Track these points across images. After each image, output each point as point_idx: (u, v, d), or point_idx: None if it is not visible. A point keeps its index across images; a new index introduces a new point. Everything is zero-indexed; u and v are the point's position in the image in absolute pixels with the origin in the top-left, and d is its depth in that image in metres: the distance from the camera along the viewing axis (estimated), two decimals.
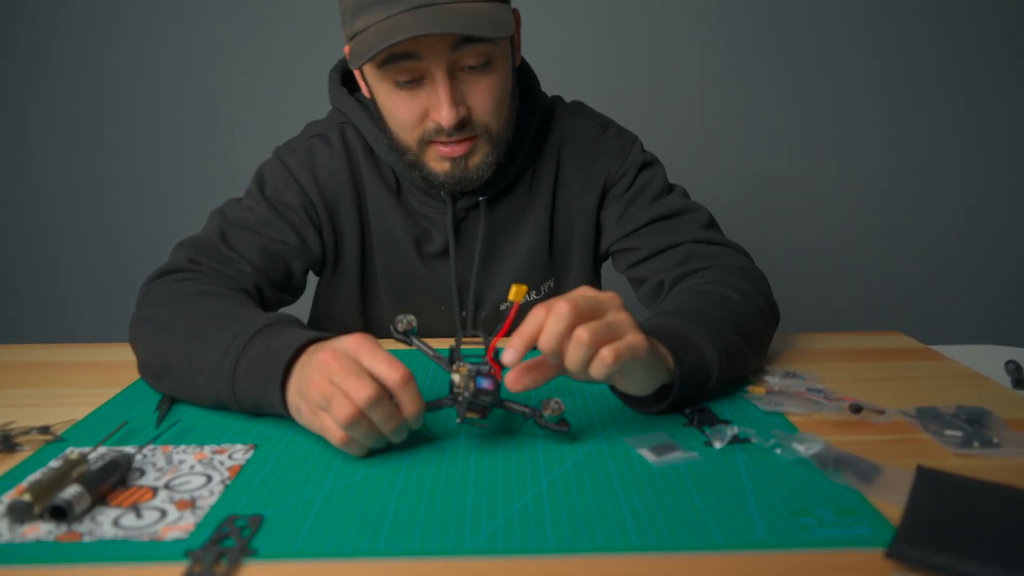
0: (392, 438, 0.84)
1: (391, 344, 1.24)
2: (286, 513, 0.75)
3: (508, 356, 0.78)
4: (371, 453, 0.85)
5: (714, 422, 0.90)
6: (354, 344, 0.81)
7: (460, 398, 0.84)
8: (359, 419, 0.79)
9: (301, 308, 1.55)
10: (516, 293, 0.83)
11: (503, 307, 1.31)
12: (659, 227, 1.25)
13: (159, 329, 1.00)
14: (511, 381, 0.81)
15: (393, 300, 1.32)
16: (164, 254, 2.36)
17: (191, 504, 0.77)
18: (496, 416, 0.95)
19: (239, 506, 0.76)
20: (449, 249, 1.28)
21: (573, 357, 0.78)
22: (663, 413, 0.94)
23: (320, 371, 0.81)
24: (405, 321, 1.01)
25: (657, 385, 0.88)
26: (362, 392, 0.78)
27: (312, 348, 0.88)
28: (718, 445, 0.85)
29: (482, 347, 0.88)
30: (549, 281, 1.33)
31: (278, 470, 0.83)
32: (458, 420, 0.84)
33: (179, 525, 0.73)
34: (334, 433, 0.82)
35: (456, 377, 0.84)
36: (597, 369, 0.79)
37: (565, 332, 0.78)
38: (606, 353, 0.79)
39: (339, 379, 0.79)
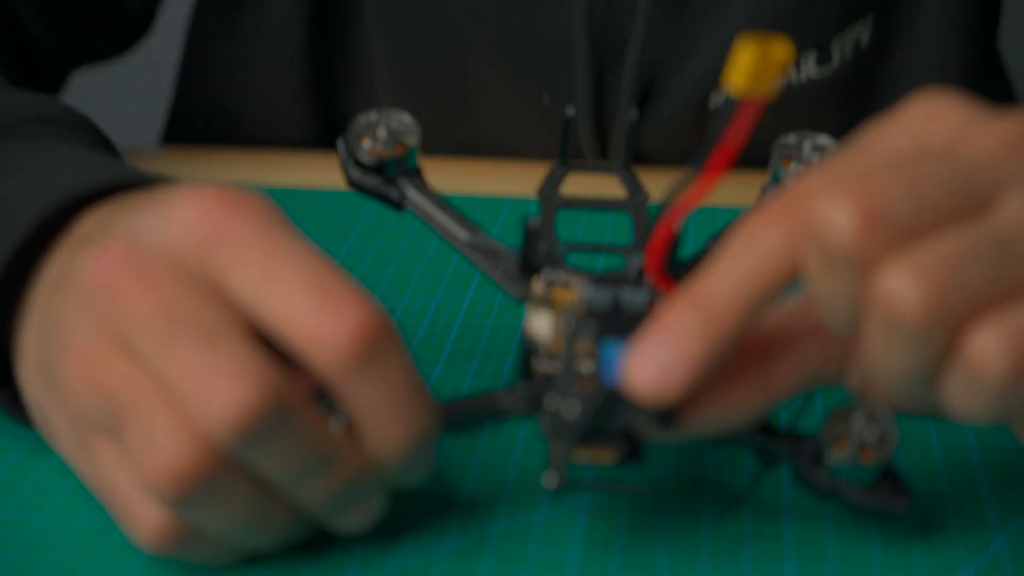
0: (331, 523, 0.30)
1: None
2: None
3: (646, 368, 0.26)
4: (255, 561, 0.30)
5: None
6: (204, 222, 0.28)
7: (552, 401, 0.29)
8: (213, 478, 0.27)
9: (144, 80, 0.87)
10: (759, 62, 0.26)
11: (717, 103, 0.57)
12: None
13: None
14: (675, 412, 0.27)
15: (404, 73, 0.58)
16: None
17: None
18: (660, 457, 0.35)
19: None
20: None
21: (882, 364, 0.25)
22: None
23: (94, 316, 0.28)
24: (385, 128, 0.37)
25: None
26: (229, 393, 0.26)
27: (90, 221, 0.32)
28: None
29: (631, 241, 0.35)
30: (853, 32, 0.56)
31: None
32: (549, 480, 0.28)
33: None
34: (137, 514, 0.28)
35: (539, 322, 0.31)
36: (961, 397, 0.25)
37: (843, 287, 0.25)
38: (988, 346, 0.24)
39: (153, 349, 0.27)
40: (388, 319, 0.28)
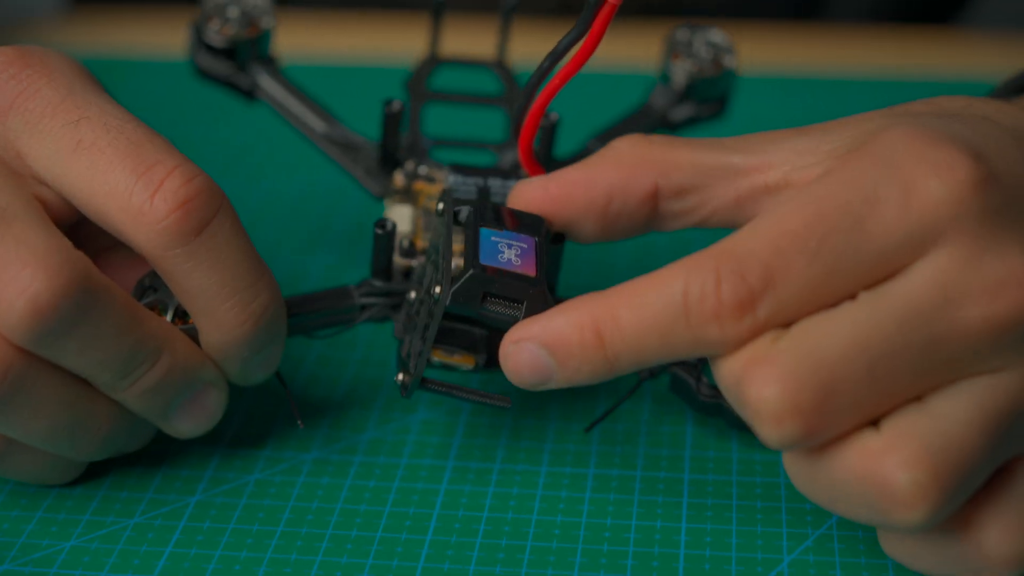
0: (164, 424, 0.27)
1: None
2: None
3: (524, 361, 0.24)
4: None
5: None
6: None
7: (418, 293, 0.28)
8: (17, 379, 0.24)
9: None
10: None
11: None
12: None
13: None
14: None
15: None
16: None
17: None
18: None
19: None
20: None
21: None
22: None
23: None
24: (237, 7, 0.34)
25: None
26: (17, 284, 0.23)
27: None
28: None
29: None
30: None
31: None
32: (399, 378, 0.27)
33: None
34: None
35: (398, 216, 0.31)
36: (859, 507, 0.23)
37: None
38: (903, 477, 0.21)
39: None
40: (216, 188, 0.25)
